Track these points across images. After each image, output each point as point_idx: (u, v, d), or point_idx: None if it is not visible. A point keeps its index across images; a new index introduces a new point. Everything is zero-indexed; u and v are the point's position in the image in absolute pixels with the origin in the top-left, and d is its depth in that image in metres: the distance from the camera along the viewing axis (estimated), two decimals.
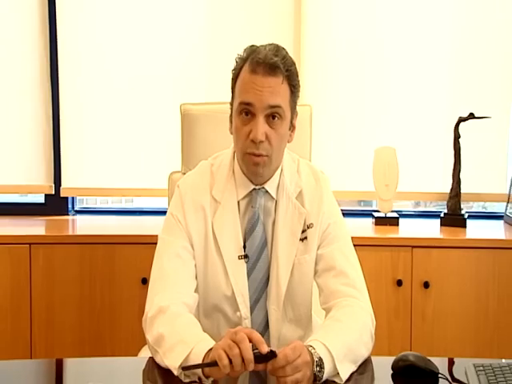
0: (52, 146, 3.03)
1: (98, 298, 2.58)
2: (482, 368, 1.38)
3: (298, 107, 1.67)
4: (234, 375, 1.30)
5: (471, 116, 2.73)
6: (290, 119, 1.63)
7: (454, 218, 2.78)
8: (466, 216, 2.78)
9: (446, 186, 2.84)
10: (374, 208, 3.07)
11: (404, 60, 2.95)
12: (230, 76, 1.64)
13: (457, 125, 2.76)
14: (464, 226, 2.74)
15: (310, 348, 1.37)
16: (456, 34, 2.94)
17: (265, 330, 1.68)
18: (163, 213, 1.74)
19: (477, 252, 2.53)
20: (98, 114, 3.02)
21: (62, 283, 2.57)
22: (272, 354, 1.29)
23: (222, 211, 1.66)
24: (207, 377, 1.34)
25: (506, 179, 2.95)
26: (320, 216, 1.68)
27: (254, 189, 1.67)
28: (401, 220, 2.80)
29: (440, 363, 1.45)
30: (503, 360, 1.45)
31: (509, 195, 2.89)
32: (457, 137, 2.76)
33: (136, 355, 1.78)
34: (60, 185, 3.05)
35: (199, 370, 1.34)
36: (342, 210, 1.77)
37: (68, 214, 3.09)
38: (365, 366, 1.47)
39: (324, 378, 1.36)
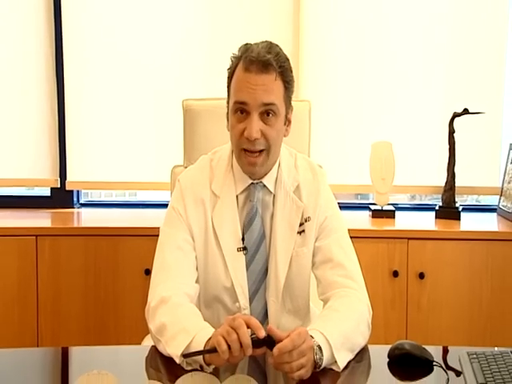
0: (57, 140, 3.04)
1: (102, 289, 2.60)
2: (475, 356, 1.40)
3: (296, 103, 1.68)
4: (234, 361, 1.31)
5: (465, 111, 2.76)
6: (285, 114, 1.63)
7: (448, 210, 2.81)
8: (460, 209, 2.80)
9: (441, 180, 2.86)
10: (370, 201, 3.09)
11: (400, 57, 2.97)
12: None
13: (451, 120, 2.78)
14: (458, 218, 2.77)
15: None
16: (451, 31, 2.95)
17: (264, 320, 1.70)
18: (165, 206, 1.76)
19: (470, 244, 2.56)
20: (103, 109, 3.03)
21: (67, 274, 2.59)
22: (269, 339, 1.30)
23: (221, 205, 1.68)
24: (208, 364, 1.35)
25: (498, 173, 2.97)
26: (317, 209, 1.69)
27: (252, 183, 1.69)
28: (397, 213, 2.83)
29: (435, 351, 1.47)
30: (496, 348, 1.47)
31: (502, 188, 2.91)
32: (451, 132, 2.79)
33: (139, 343, 1.81)
34: (65, 178, 3.06)
35: (200, 358, 1.35)
36: (339, 203, 1.78)
37: (73, 207, 3.11)
38: (362, 355, 1.49)
39: (323, 366, 1.37)
